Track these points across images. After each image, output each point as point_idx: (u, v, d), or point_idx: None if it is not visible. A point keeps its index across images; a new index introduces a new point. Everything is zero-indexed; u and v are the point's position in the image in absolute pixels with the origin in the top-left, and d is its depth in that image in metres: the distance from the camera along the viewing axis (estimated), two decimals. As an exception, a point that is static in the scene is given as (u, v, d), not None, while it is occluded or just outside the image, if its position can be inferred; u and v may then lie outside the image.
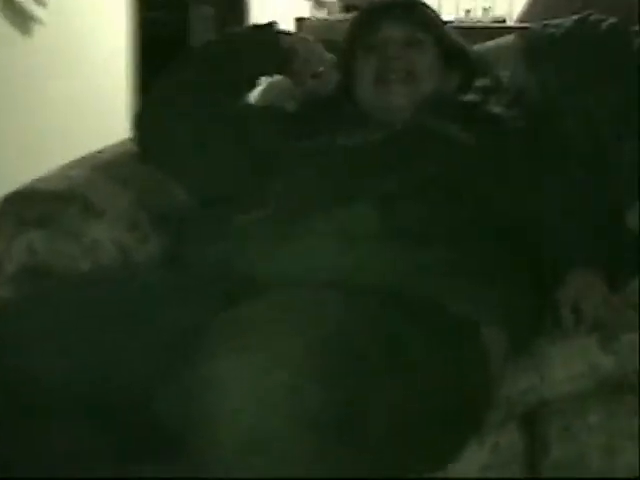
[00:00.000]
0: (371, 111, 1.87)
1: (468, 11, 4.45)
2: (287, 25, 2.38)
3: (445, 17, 2.04)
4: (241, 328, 1.38)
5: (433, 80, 1.86)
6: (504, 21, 4.30)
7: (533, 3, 3.13)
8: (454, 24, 2.04)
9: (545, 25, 2.15)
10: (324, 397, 1.29)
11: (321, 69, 1.87)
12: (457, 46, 1.93)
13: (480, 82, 1.89)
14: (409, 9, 1.92)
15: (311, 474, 1.30)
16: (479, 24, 4.11)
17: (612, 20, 2.07)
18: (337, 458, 1.32)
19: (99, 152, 1.98)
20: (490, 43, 2.19)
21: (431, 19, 1.93)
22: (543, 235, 1.69)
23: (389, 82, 1.83)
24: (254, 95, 2.05)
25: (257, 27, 1.94)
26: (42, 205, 1.72)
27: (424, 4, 1.95)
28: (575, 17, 2.10)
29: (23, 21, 3.47)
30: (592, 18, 2.08)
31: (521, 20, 3.09)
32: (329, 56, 1.90)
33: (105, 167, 1.90)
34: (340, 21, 2.08)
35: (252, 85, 1.98)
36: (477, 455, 1.59)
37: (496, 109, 1.78)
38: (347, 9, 4.71)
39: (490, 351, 1.58)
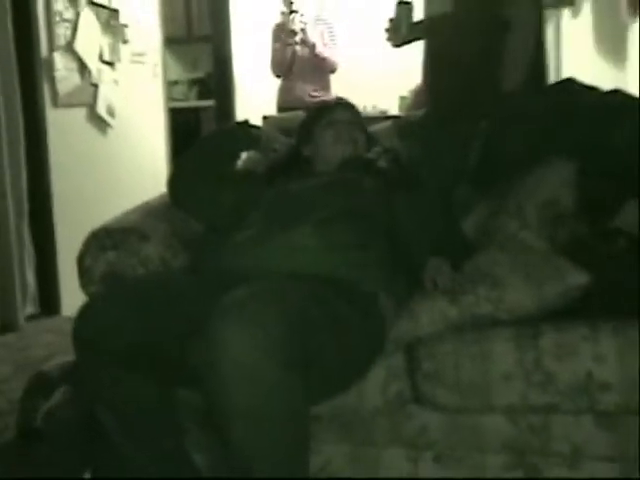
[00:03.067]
0: (320, 164, 2.51)
1: (364, 107, 5.47)
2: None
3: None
4: (235, 304, 1.81)
5: (359, 145, 2.56)
6: (386, 113, 5.68)
7: (412, 102, 3.95)
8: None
9: (408, 115, 2.88)
10: (290, 342, 1.74)
11: (277, 146, 2.57)
12: (365, 128, 2.64)
13: (374, 149, 2.57)
14: (348, 104, 2.65)
15: (275, 391, 1.72)
16: (372, 114, 5.42)
17: None
18: (293, 384, 1.74)
19: (146, 202, 2.62)
20: (378, 125, 2.91)
21: (358, 111, 2.67)
22: (414, 241, 2.28)
23: (342, 143, 2.53)
24: (239, 163, 2.67)
25: (239, 123, 2.60)
26: (114, 236, 2.33)
27: (352, 104, 2.68)
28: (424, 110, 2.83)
29: (101, 125, 4.35)
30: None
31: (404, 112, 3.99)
32: (282, 137, 2.58)
33: (151, 210, 2.52)
34: (290, 117, 2.79)
35: (237, 157, 2.62)
36: (379, 372, 2.10)
37: (382, 164, 2.46)
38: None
39: (385, 311, 2.12)
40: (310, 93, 5.94)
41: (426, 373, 2.12)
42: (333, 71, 6.02)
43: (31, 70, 4.28)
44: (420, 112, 2.87)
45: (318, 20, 6.04)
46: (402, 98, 6.39)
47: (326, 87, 6.06)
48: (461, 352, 2.10)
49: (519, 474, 2.13)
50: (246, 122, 2.59)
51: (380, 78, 6.57)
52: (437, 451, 2.17)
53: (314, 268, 2.13)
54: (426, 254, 2.23)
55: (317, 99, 5.75)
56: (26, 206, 4.28)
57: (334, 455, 2.22)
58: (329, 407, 2.10)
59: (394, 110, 6.39)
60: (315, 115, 2.66)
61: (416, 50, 3.87)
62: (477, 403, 2.10)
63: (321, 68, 5.94)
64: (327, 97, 5.71)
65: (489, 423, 2.13)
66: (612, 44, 4.89)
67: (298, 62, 5.92)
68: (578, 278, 2.13)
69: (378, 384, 2.13)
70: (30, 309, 4.36)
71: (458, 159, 2.64)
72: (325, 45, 5.95)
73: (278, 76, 6.04)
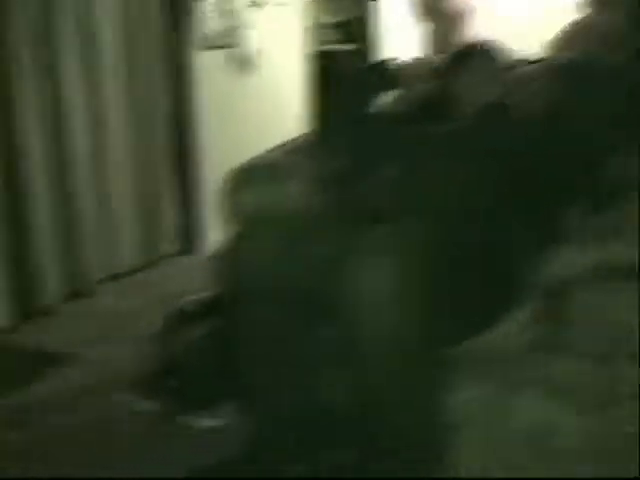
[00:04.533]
0: (462, 106, 2.41)
1: (512, 50, 5.12)
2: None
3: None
4: (376, 240, 1.86)
5: (504, 89, 2.47)
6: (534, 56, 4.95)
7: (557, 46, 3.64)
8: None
9: (557, 58, 2.75)
10: (429, 279, 1.78)
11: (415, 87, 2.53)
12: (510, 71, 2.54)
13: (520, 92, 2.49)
14: (493, 47, 2.52)
15: (413, 328, 1.76)
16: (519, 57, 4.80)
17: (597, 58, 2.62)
18: (431, 321, 1.79)
19: (290, 141, 2.66)
20: (525, 68, 2.76)
21: (503, 54, 2.53)
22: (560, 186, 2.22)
23: (486, 86, 2.43)
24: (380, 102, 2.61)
25: (380, 62, 2.62)
26: (258, 173, 2.40)
27: (499, 47, 2.55)
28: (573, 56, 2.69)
29: (245, 67, 4.54)
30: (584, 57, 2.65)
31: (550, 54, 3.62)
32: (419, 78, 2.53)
33: (294, 148, 2.57)
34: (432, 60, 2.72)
35: (375, 97, 2.57)
36: (520, 315, 2.08)
37: (526, 108, 2.38)
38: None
39: (529, 257, 2.08)
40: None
41: (569, 319, 2.09)
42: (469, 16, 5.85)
43: (179, 12, 4.34)
44: (571, 54, 2.75)
45: None
46: (549, 40, 6.18)
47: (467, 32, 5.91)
48: (606, 299, 2.07)
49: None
50: (388, 61, 2.58)
51: (527, 20, 6.38)
52: (576, 399, 2.13)
53: (461, 204, 2.12)
54: (571, 199, 2.21)
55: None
56: (169, 145, 4.39)
57: (469, 398, 2.16)
58: (466, 349, 2.08)
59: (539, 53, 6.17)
60: (461, 56, 2.58)
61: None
62: (618, 351, 2.06)
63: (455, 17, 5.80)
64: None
65: (631, 372, 2.07)
66: None
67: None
68: None
69: (518, 328, 2.12)
70: (173, 246, 4.47)
71: (607, 103, 2.47)
72: None
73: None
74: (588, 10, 3.56)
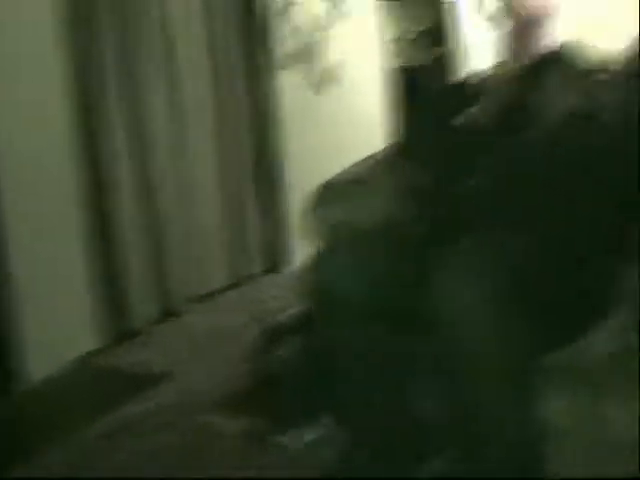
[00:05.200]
0: (546, 115, 2.33)
1: (599, 51, 4.99)
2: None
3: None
4: (462, 254, 1.86)
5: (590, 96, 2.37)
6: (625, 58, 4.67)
7: None
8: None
9: None
10: (516, 292, 1.76)
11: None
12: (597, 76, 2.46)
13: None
14: (578, 50, 2.46)
15: (502, 340, 1.75)
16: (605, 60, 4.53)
17: None
18: (520, 333, 1.78)
19: (371, 155, 2.66)
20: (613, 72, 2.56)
21: (589, 57, 2.47)
22: None
23: (571, 93, 2.36)
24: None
25: (465, 78, 2.56)
26: (342, 188, 2.42)
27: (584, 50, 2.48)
28: None
29: (323, 82, 4.55)
30: None
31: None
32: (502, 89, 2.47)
33: (377, 163, 2.58)
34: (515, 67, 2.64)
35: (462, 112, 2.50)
36: (611, 324, 2.03)
37: (614, 118, 2.28)
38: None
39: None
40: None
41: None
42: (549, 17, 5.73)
43: (254, 31, 4.39)
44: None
45: None
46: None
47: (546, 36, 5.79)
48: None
49: None
50: (464, 80, 2.56)
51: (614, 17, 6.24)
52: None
53: (547, 217, 2.09)
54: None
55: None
56: (254, 165, 4.43)
57: (560, 410, 2.13)
58: (557, 359, 2.05)
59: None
60: (541, 63, 2.51)
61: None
62: None
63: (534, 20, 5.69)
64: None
65: None
66: None
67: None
68: None
69: (609, 336, 2.08)
70: (263, 264, 4.49)
71: None
72: None
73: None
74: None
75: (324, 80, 4.84)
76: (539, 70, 2.48)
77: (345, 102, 5.04)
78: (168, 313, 3.85)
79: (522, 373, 1.84)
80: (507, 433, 1.85)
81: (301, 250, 2.59)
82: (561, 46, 2.52)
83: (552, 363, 2.06)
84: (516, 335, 1.78)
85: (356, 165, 2.56)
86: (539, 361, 1.91)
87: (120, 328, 3.61)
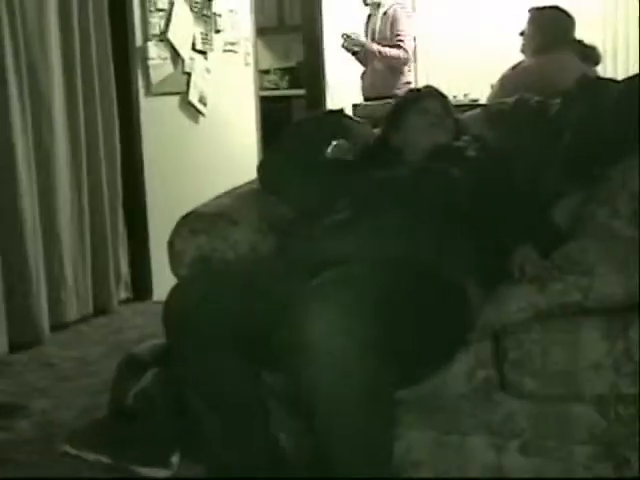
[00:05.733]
0: (408, 153, 2.48)
1: (455, 96, 5.40)
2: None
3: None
4: (319, 289, 1.88)
5: (448, 134, 2.54)
6: (477, 101, 5.28)
7: (498, 89, 3.93)
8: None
9: (498, 103, 2.83)
10: (372, 326, 1.77)
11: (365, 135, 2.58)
12: (454, 116, 2.61)
13: (463, 137, 2.55)
14: (437, 93, 2.62)
15: (358, 374, 1.74)
16: (463, 102, 5.21)
17: (538, 98, 2.73)
18: (376, 367, 1.77)
19: (236, 188, 2.66)
20: (468, 113, 2.89)
21: (447, 99, 2.63)
22: (503, 228, 2.25)
23: (431, 132, 2.51)
24: (329, 151, 2.62)
25: (331, 112, 2.65)
26: (204, 220, 2.38)
27: (442, 93, 2.64)
28: (515, 97, 2.78)
29: (193, 113, 4.44)
30: (525, 97, 2.76)
31: (489, 100, 3.93)
32: (370, 127, 2.60)
33: (241, 196, 2.56)
34: (382, 105, 2.78)
35: (327, 145, 2.60)
36: (465, 358, 2.08)
37: (471, 153, 2.43)
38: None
39: (472, 298, 2.11)
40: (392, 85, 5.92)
41: (513, 361, 2.10)
42: (405, 64, 5.94)
43: (126, 59, 4.37)
44: (510, 99, 2.83)
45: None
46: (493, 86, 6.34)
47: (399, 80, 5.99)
48: (549, 340, 2.08)
49: (608, 466, 2.09)
50: (340, 111, 2.61)
51: (474, 65, 6.50)
52: (523, 440, 2.15)
53: (401, 255, 2.14)
54: (515, 241, 2.22)
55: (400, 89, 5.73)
56: (120, 193, 4.37)
57: (418, 441, 2.20)
58: (414, 392, 2.09)
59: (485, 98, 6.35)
60: (404, 104, 2.64)
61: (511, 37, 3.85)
62: (564, 392, 2.08)
63: (392, 65, 5.87)
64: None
65: (577, 413, 2.10)
66: None
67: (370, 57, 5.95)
68: (670, 269, 2.06)
69: (464, 371, 2.12)
70: (123, 294, 4.46)
71: (548, 147, 2.58)
72: (394, 37, 5.89)
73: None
74: (526, 56, 3.75)
75: (196, 108, 4.84)
76: (401, 110, 2.60)
77: (215, 133, 5.05)
78: (28, 344, 3.74)
79: (377, 406, 1.83)
80: (363, 464, 1.84)
81: (164, 280, 2.55)
82: (424, 88, 2.71)
83: (412, 396, 2.11)
84: (373, 369, 1.78)
85: (220, 197, 2.56)
86: (398, 394, 1.93)
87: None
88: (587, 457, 2.11)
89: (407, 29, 5.95)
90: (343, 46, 6.05)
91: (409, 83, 5.97)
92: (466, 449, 2.19)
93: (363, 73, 6.07)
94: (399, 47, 5.83)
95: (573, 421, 2.11)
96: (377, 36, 5.99)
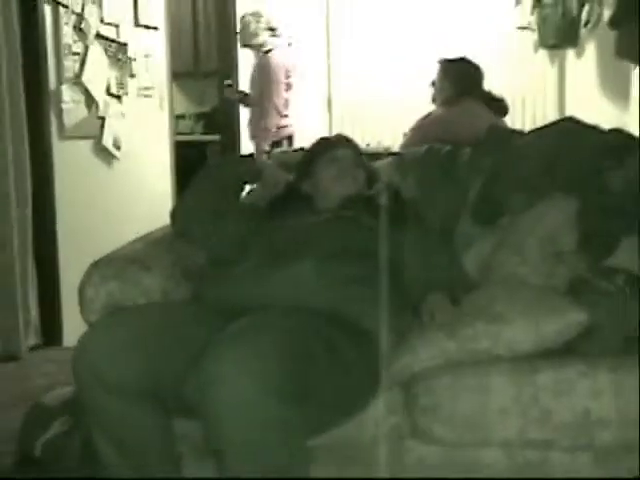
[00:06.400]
0: (320, 201, 2.52)
1: (368, 144, 5.60)
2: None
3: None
4: (232, 337, 1.90)
5: (360, 182, 2.58)
6: (390, 149, 5.44)
7: (410, 138, 4.04)
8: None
9: (410, 151, 2.91)
10: (286, 375, 1.79)
11: (278, 182, 2.61)
12: (366, 164, 2.67)
13: (375, 185, 2.60)
14: (349, 141, 2.67)
15: (271, 424, 1.76)
16: (375, 151, 5.30)
17: (448, 147, 2.81)
18: (289, 416, 1.79)
19: (149, 233, 2.65)
20: (380, 162, 2.95)
21: (358, 148, 2.68)
22: (413, 275, 2.30)
23: (343, 180, 2.54)
24: (242, 196, 2.68)
25: (243, 157, 2.67)
26: (115, 265, 2.35)
27: (353, 141, 2.69)
28: (426, 146, 2.86)
29: (107, 158, 4.40)
30: (436, 146, 2.83)
31: (401, 149, 4.04)
32: (283, 173, 2.63)
33: (153, 241, 2.56)
34: (294, 151, 2.83)
35: (240, 190, 2.66)
36: (377, 406, 2.10)
37: (383, 200, 2.46)
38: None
39: (383, 346, 2.11)
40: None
41: (423, 407, 2.12)
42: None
43: (39, 102, 4.31)
44: (421, 148, 2.89)
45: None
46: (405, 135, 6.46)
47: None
48: (458, 386, 2.12)
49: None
50: (251, 156, 2.61)
51: (387, 114, 6.61)
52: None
53: (313, 302, 2.15)
54: (425, 288, 2.26)
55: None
56: (30, 237, 4.29)
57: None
58: (327, 439, 2.09)
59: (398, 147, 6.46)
60: (316, 152, 2.67)
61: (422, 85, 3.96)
62: (474, 438, 2.10)
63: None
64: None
65: (486, 458, 2.13)
66: (616, 84, 4.91)
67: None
68: (577, 316, 2.12)
69: (376, 418, 2.13)
70: (33, 340, 4.37)
71: (459, 195, 2.64)
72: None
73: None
74: (437, 106, 3.86)
75: (110, 152, 4.81)
76: (312, 158, 2.63)
77: (130, 176, 5.02)
78: None
79: (291, 455, 1.83)
80: None
81: (75, 325, 2.49)
82: (332, 138, 2.73)
83: (323, 445, 2.10)
84: (283, 414, 1.78)
85: (134, 242, 2.54)
86: (310, 442, 1.92)
87: None
88: (496, 502, 2.13)
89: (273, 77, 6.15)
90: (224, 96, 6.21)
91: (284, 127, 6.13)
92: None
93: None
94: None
95: (482, 466, 2.13)
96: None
